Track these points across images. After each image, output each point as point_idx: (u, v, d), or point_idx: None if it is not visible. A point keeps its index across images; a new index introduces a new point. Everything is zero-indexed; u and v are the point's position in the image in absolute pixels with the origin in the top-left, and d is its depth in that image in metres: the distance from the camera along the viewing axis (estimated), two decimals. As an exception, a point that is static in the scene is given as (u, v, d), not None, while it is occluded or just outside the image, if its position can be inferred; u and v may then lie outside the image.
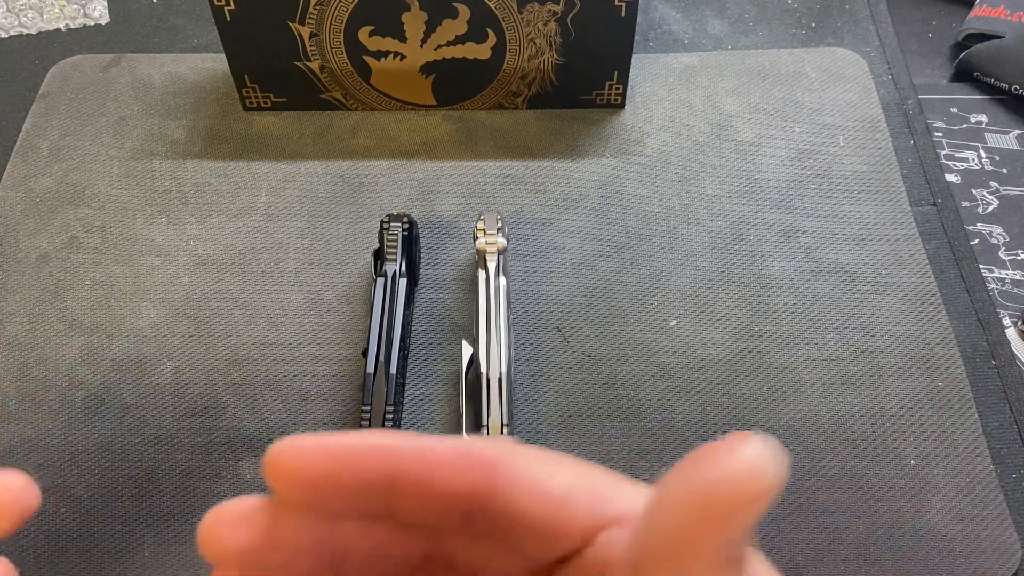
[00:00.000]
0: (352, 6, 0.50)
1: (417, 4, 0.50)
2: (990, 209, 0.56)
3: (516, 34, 0.52)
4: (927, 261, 0.50)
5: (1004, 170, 0.57)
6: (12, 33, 0.62)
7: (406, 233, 0.47)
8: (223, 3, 0.50)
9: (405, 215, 0.47)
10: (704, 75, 0.58)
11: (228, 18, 0.51)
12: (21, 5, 0.64)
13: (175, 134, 0.56)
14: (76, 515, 0.42)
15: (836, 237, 0.51)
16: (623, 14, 0.50)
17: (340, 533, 0.22)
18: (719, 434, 0.43)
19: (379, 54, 0.53)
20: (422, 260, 0.50)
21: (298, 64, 0.53)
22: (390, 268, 0.46)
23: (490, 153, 0.55)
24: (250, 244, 0.51)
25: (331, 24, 0.51)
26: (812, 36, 0.61)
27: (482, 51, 0.53)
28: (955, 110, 0.61)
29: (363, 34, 0.52)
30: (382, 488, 0.21)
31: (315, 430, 0.44)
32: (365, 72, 0.54)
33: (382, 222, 0.47)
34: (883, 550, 0.41)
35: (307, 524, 0.21)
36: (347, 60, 0.53)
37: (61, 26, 0.63)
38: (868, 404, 0.45)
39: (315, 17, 0.51)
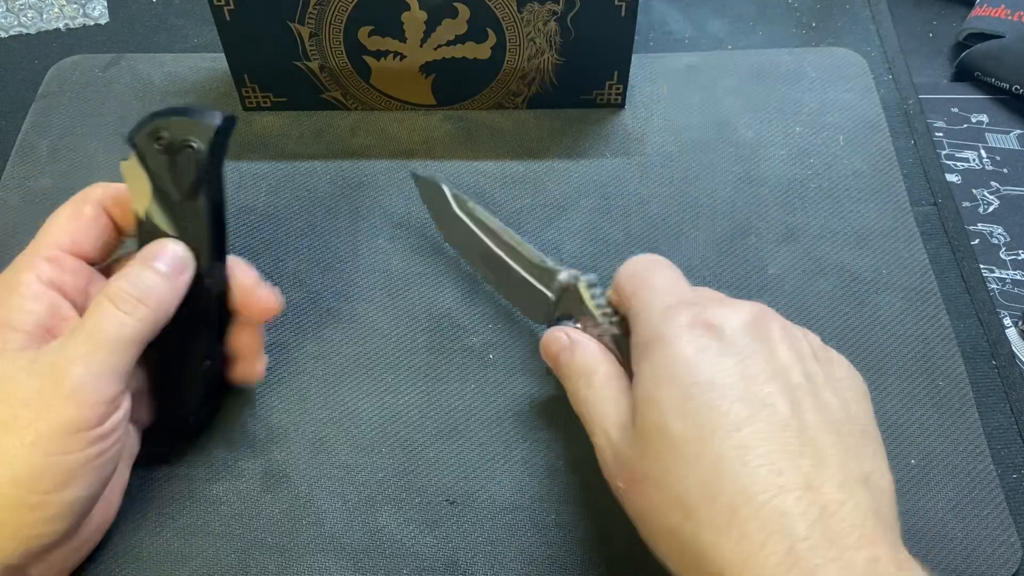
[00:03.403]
0: (352, 6, 0.50)
1: (417, 4, 0.50)
2: (991, 209, 0.56)
3: (516, 34, 0.52)
4: (927, 261, 0.50)
5: (1005, 170, 0.57)
6: (11, 33, 0.62)
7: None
8: (222, 3, 0.50)
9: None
10: (704, 75, 0.58)
11: (227, 18, 0.51)
12: (20, 5, 0.63)
13: (175, 134, 0.56)
14: (75, 515, 0.42)
15: (836, 237, 0.51)
16: (623, 14, 0.50)
17: None
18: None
19: (379, 54, 0.53)
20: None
21: (298, 64, 0.53)
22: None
23: (490, 153, 0.55)
24: (249, 244, 0.51)
25: (331, 24, 0.51)
26: (812, 36, 0.61)
27: (482, 51, 0.53)
28: (956, 110, 0.61)
29: (363, 34, 0.52)
30: None
31: (315, 431, 0.44)
32: (365, 72, 0.54)
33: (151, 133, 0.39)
34: (883, 550, 0.41)
35: None
36: (347, 60, 0.53)
37: (60, 26, 0.63)
38: (868, 404, 0.45)
39: (315, 17, 0.51)
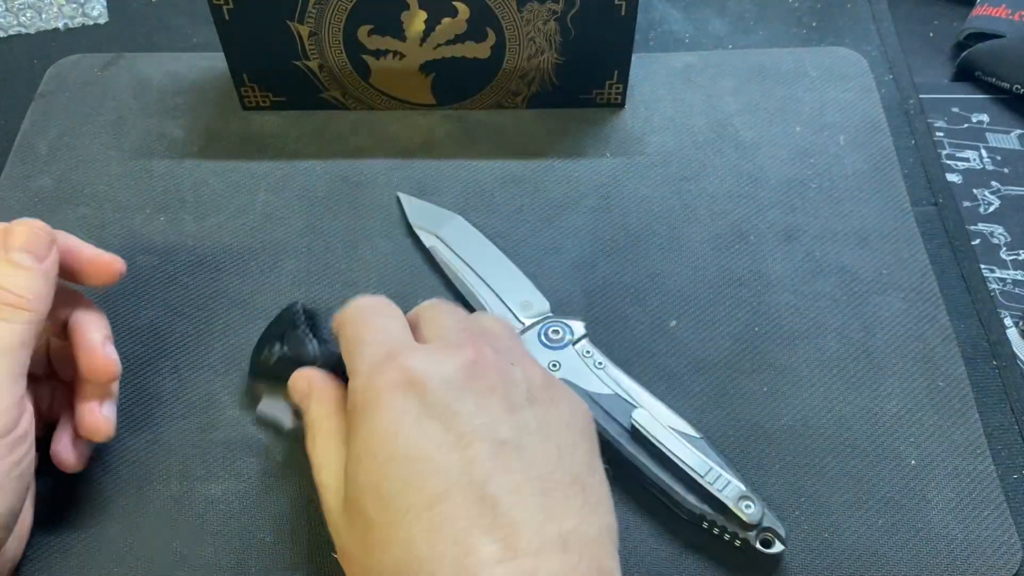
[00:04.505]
0: (351, 5, 0.50)
1: (416, 3, 0.50)
2: (991, 209, 0.55)
3: (516, 33, 0.51)
4: (928, 261, 0.49)
5: (1005, 170, 0.57)
6: (11, 32, 0.62)
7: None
8: (222, 2, 0.50)
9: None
10: (704, 74, 0.58)
11: (227, 17, 0.51)
12: (19, 4, 0.63)
13: (173, 133, 0.56)
14: (74, 516, 0.42)
15: (837, 237, 0.51)
16: (623, 13, 0.50)
17: None
18: (719, 435, 0.43)
19: (378, 53, 0.53)
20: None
21: (297, 63, 0.53)
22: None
23: (490, 152, 0.55)
24: (249, 244, 0.51)
25: (330, 23, 0.51)
26: (813, 35, 0.61)
27: (481, 50, 0.52)
28: (956, 110, 0.60)
29: (362, 33, 0.51)
30: None
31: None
32: (364, 71, 0.54)
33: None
34: (883, 550, 0.40)
35: None
36: (346, 59, 0.53)
37: (59, 25, 0.63)
38: (868, 404, 0.45)
39: (314, 16, 0.50)
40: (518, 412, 0.32)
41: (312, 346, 0.41)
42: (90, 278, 0.41)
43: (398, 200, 0.51)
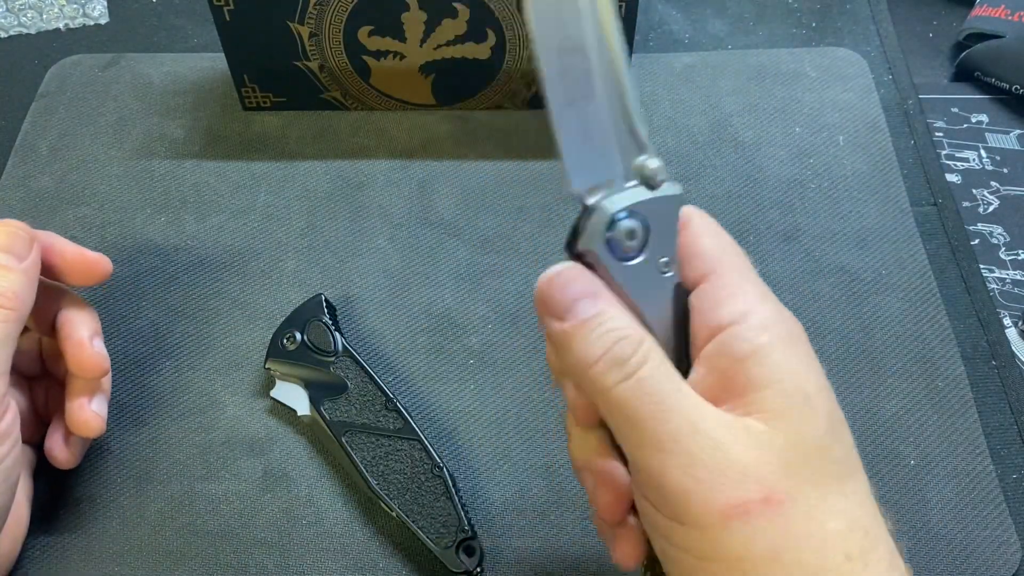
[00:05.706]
0: (351, 6, 0.50)
1: (416, 4, 0.50)
2: (991, 209, 0.56)
3: (516, 34, 0.52)
4: (927, 261, 0.50)
5: (1005, 170, 0.57)
6: (11, 33, 0.62)
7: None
8: (222, 3, 0.50)
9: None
10: (704, 75, 0.58)
11: (227, 18, 0.51)
12: (20, 5, 0.64)
13: (174, 134, 0.56)
14: (74, 515, 0.42)
15: (836, 237, 0.51)
16: (623, 14, 0.50)
17: None
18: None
19: (379, 54, 0.53)
20: (421, 260, 0.50)
21: (297, 64, 0.53)
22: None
23: (490, 153, 0.55)
24: (249, 244, 0.51)
25: (330, 24, 0.51)
26: (812, 36, 0.61)
27: (482, 51, 0.53)
28: (956, 110, 0.60)
29: (363, 34, 0.52)
30: None
31: (314, 431, 0.44)
32: (365, 72, 0.54)
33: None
34: (883, 551, 0.41)
35: None
36: (346, 60, 0.53)
37: (60, 26, 0.63)
38: (868, 404, 0.45)
39: (314, 17, 0.51)
40: None
41: (332, 338, 0.45)
42: (74, 277, 0.41)
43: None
